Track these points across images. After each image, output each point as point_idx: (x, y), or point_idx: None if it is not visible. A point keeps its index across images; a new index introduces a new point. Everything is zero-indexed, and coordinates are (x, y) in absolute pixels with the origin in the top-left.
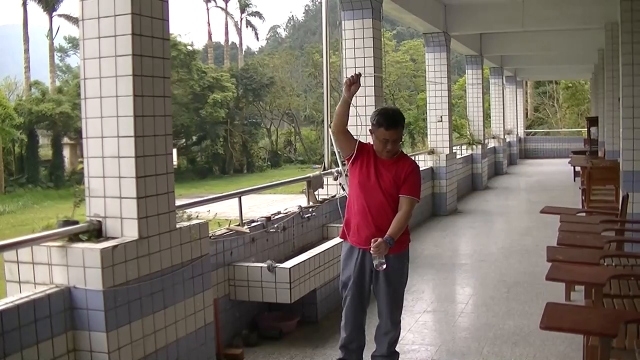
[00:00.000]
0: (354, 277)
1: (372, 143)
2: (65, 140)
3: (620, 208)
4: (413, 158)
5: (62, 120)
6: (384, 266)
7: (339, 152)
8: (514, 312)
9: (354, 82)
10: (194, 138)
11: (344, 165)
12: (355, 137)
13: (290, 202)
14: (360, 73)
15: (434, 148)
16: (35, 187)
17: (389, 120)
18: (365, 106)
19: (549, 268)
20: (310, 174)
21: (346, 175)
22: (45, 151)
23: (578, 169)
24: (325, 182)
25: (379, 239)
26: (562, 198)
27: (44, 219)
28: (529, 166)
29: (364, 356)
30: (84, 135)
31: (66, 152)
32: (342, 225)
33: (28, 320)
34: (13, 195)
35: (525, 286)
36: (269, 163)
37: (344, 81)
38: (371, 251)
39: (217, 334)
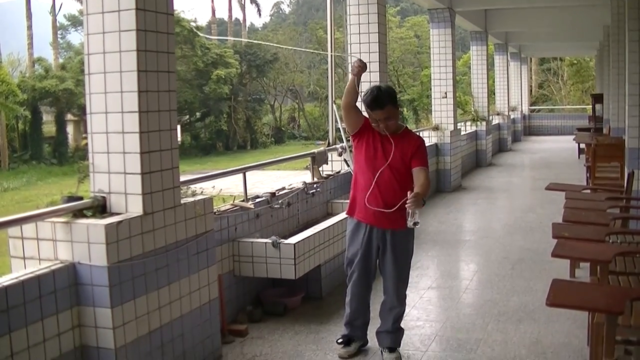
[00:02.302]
0: (361, 253)
1: None
2: (69, 116)
3: (625, 185)
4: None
5: (66, 97)
6: (419, 223)
7: (344, 129)
8: (518, 288)
9: (364, 70)
10: (198, 114)
11: (349, 141)
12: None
13: (295, 178)
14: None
15: (438, 124)
16: (38, 164)
17: (374, 101)
18: (370, 82)
19: (554, 245)
20: (315, 150)
21: (351, 151)
22: (48, 128)
23: (582, 146)
24: (329, 158)
25: (415, 192)
26: (567, 175)
27: (47, 195)
28: (533, 143)
29: (368, 332)
30: (88, 111)
31: (70, 129)
32: (347, 201)
33: (33, 296)
34: (17, 171)
35: (529, 263)
36: (272, 139)
37: (352, 65)
38: (407, 206)
39: (222, 310)
